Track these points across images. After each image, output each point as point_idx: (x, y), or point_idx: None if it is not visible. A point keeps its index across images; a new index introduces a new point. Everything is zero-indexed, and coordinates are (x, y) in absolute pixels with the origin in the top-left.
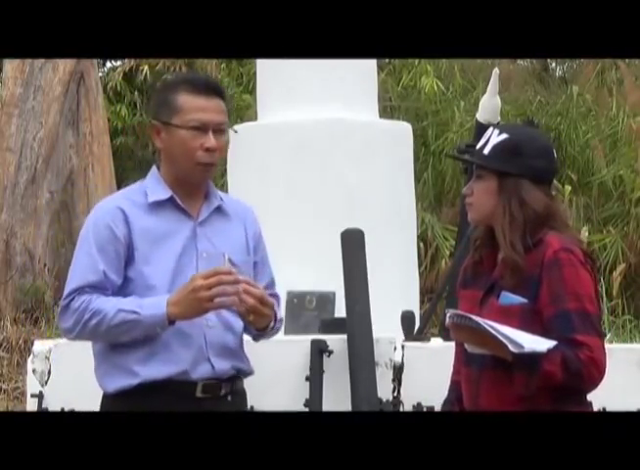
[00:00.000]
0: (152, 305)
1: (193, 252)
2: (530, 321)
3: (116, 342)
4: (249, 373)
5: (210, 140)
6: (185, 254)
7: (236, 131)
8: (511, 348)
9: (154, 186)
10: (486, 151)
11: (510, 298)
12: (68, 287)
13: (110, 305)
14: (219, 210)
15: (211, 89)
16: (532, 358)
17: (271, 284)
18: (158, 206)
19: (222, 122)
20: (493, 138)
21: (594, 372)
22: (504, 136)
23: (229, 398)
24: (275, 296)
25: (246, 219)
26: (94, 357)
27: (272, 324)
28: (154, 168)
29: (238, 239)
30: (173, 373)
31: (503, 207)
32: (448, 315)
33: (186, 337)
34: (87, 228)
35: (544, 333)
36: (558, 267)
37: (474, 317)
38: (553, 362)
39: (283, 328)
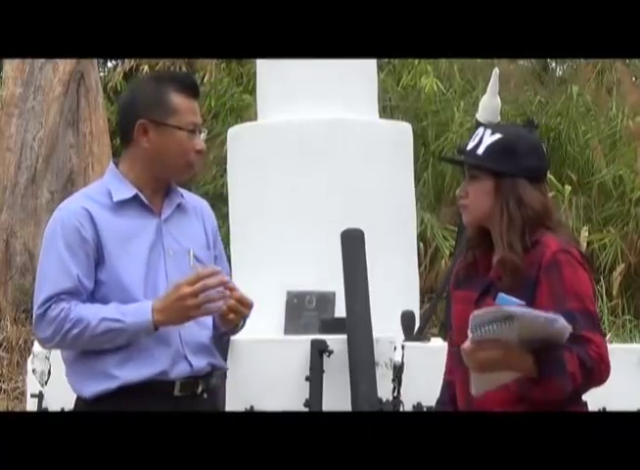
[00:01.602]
0: (136, 313)
1: (160, 249)
2: None
3: (96, 349)
4: (223, 369)
5: (201, 142)
6: (153, 252)
7: None
8: (551, 323)
9: (116, 185)
10: (480, 151)
11: (506, 299)
12: (42, 294)
13: (91, 314)
14: (179, 206)
15: (195, 90)
16: (557, 361)
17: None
18: (122, 205)
19: (202, 123)
20: (486, 138)
21: (603, 369)
22: (498, 136)
23: (205, 395)
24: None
25: (203, 214)
26: (64, 363)
27: (241, 323)
28: (112, 167)
29: (199, 235)
30: (152, 374)
31: (501, 207)
32: (473, 322)
33: (162, 337)
34: (54, 231)
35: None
36: (557, 268)
37: (505, 307)
38: (573, 364)
39: (283, 328)
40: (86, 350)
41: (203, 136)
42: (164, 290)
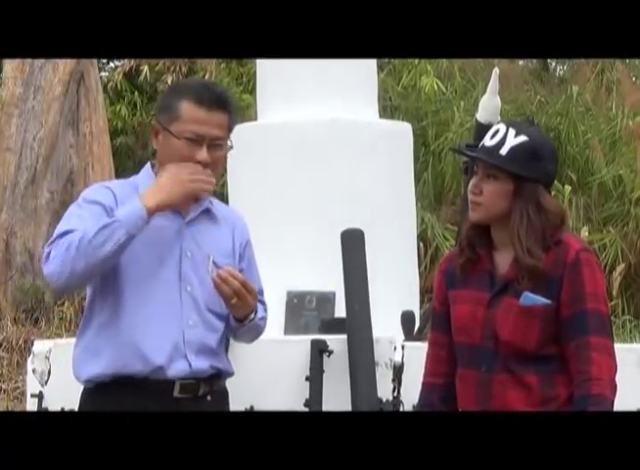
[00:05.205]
0: (125, 207)
1: (177, 249)
2: (551, 322)
3: (98, 259)
4: (229, 374)
5: (202, 154)
6: (169, 250)
7: (231, 147)
8: None
9: (145, 183)
10: (504, 151)
11: (533, 298)
12: (53, 236)
13: (86, 225)
14: (208, 212)
15: (215, 102)
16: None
17: (259, 293)
18: None
19: (219, 137)
20: (510, 139)
21: (613, 381)
22: (523, 138)
23: (208, 397)
24: (262, 302)
25: (235, 226)
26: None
27: (252, 316)
28: (148, 165)
29: (224, 243)
30: (148, 369)
31: (520, 211)
32: None
33: (163, 332)
34: (77, 203)
35: (559, 331)
36: (579, 267)
37: None
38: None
39: (283, 328)
40: (95, 334)
41: (225, 150)
42: (172, 286)
